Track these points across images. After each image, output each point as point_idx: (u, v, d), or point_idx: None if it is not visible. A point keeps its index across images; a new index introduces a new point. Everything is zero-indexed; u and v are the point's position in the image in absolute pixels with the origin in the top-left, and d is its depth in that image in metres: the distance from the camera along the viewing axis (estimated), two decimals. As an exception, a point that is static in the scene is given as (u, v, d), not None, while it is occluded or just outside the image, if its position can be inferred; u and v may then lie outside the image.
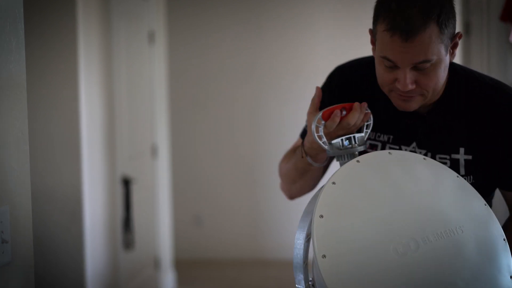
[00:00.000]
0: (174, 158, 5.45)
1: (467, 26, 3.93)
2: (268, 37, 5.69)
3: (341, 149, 1.43)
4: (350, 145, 1.43)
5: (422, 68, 1.44)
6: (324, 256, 1.18)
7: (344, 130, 1.48)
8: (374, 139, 1.61)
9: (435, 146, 1.57)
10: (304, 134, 1.74)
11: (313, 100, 1.55)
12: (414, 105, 1.50)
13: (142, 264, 4.40)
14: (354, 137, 1.43)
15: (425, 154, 1.57)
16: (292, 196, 1.82)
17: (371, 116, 1.51)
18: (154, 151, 4.61)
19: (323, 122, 1.45)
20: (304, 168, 1.66)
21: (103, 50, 3.81)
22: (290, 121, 5.60)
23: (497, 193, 1.65)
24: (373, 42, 1.52)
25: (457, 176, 1.42)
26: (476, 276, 1.27)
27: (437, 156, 1.57)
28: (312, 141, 1.54)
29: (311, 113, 1.52)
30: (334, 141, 1.43)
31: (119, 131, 3.99)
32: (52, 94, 3.52)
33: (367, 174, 1.32)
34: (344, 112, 1.49)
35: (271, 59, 5.69)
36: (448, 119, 1.57)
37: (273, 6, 5.69)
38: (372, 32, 1.51)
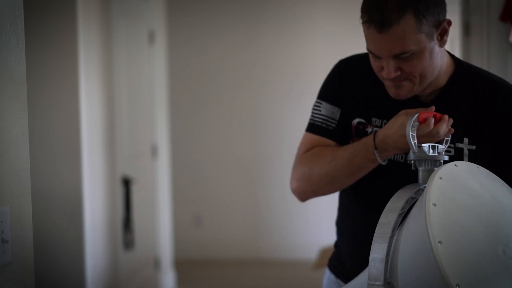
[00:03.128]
0: (174, 158, 5.45)
1: (467, 26, 3.93)
2: (268, 37, 5.69)
3: (427, 155, 1.46)
4: (436, 153, 1.46)
5: (403, 57, 1.48)
6: (440, 242, 1.20)
7: (428, 137, 1.49)
8: (381, 126, 1.63)
9: None
10: (311, 129, 1.73)
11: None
12: (404, 91, 1.55)
13: (142, 264, 4.40)
14: (438, 146, 1.47)
15: None
16: (309, 197, 1.77)
17: (450, 134, 1.54)
18: (154, 151, 4.61)
19: (417, 123, 1.48)
20: (359, 165, 1.62)
21: (103, 50, 3.81)
22: (290, 121, 5.60)
23: None
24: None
25: None
26: None
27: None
28: (397, 138, 1.53)
29: (408, 113, 1.53)
30: (424, 145, 1.46)
31: (119, 131, 3.99)
32: (52, 94, 3.53)
33: (466, 177, 1.36)
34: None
35: (271, 59, 5.69)
36: (452, 108, 1.59)
37: (273, 6, 5.69)
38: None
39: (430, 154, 1.45)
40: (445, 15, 1.52)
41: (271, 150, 5.65)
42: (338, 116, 1.69)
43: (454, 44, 6.27)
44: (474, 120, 1.59)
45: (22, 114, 1.53)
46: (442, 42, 1.52)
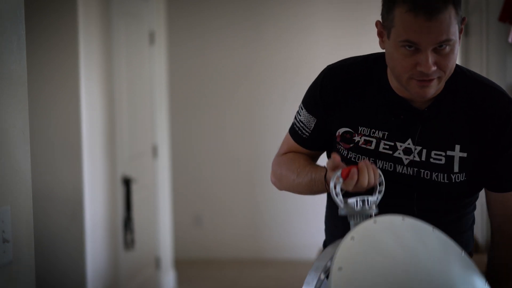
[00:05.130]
0: (174, 158, 5.45)
1: (466, 26, 3.93)
2: (267, 37, 5.69)
3: (355, 210, 1.46)
4: (364, 207, 1.46)
5: (442, 51, 1.47)
6: None
7: (358, 189, 1.49)
8: (369, 135, 1.61)
9: (431, 143, 1.58)
10: (291, 131, 1.78)
11: (333, 157, 1.53)
12: (431, 90, 1.52)
13: (142, 264, 4.41)
14: (368, 199, 1.47)
15: (421, 151, 1.58)
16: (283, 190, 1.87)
17: (384, 182, 1.52)
18: (154, 151, 4.62)
19: (341, 179, 1.48)
20: (320, 191, 1.66)
21: (104, 50, 3.82)
22: (290, 121, 5.60)
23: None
24: (381, 34, 1.54)
25: (463, 253, 1.45)
26: None
27: (433, 152, 1.58)
28: None
29: (330, 170, 1.53)
30: (350, 201, 1.46)
31: (119, 131, 4.00)
32: (52, 94, 3.53)
33: (383, 235, 1.35)
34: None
35: (271, 59, 5.69)
36: (445, 116, 1.58)
37: (273, 6, 5.69)
38: (382, 23, 1.53)
39: (357, 209, 1.45)
40: None
41: (271, 150, 5.64)
42: (312, 125, 1.71)
43: (453, 44, 6.27)
44: (466, 127, 1.58)
45: (23, 114, 1.53)
46: (459, 40, 1.52)
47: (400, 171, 1.59)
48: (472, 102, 1.59)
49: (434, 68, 1.47)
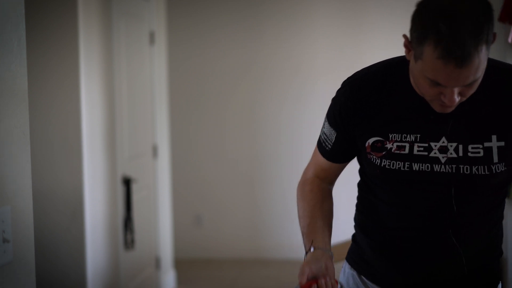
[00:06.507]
0: (174, 158, 5.46)
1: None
2: (267, 37, 5.69)
3: None
4: None
5: (468, 85, 1.45)
6: None
7: None
8: (401, 141, 1.60)
9: (466, 137, 1.57)
10: (318, 143, 1.79)
11: (302, 270, 1.65)
12: (453, 108, 1.52)
13: (143, 264, 4.41)
14: None
15: (457, 147, 1.57)
16: None
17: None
18: (154, 151, 4.62)
19: None
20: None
21: (104, 50, 3.82)
22: (290, 121, 5.61)
23: None
24: (407, 46, 1.50)
25: None
26: None
27: (470, 146, 1.57)
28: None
29: (301, 275, 1.66)
30: None
31: (119, 131, 4.00)
32: (53, 95, 3.53)
33: None
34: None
35: (271, 59, 5.69)
36: (475, 108, 1.57)
37: (272, 6, 5.70)
38: (410, 42, 1.48)
39: None
40: None
41: (271, 149, 5.66)
42: (333, 138, 1.72)
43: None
44: (499, 115, 1.57)
45: (23, 115, 1.53)
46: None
47: (438, 170, 1.58)
48: (499, 89, 1.58)
49: (458, 99, 1.47)
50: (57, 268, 3.54)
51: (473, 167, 1.57)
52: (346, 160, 1.77)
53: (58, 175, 3.54)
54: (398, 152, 1.60)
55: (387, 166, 1.61)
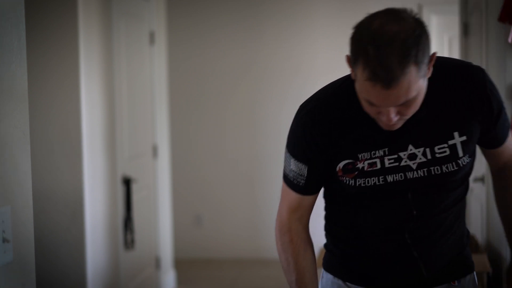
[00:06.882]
0: (174, 158, 5.46)
1: (466, 26, 3.93)
2: (267, 37, 5.69)
3: None
4: None
5: (404, 104, 1.48)
6: None
7: None
8: (371, 158, 1.62)
9: (430, 140, 1.61)
10: (287, 181, 1.74)
11: None
12: (398, 125, 1.55)
13: (143, 264, 4.41)
14: None
15: (424, 151, 1.61)
16: None
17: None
18: (154, 151, 4.62)
19: None
20: None
21: (104, 50, 3.82)
22: (290, 121, 5.60)
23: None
24: (351, 66, 1.52)
25: None
26: None
27: (436, 147, 1.61)
28: None
29: None
30: None
31: (119, 131, 4.00)
32: (53, 95, 3.53)
33: None
34: None
35: (271, 59, 5.69)
36: (434, 110, 1.60)
37: (272, 6, 5.70)
38: (351, 63, 1.51)
39: None
40: (431, 49, 1.51)
41: (271, 149, 5.66)
42: (305, 172, 1.69)
43: (453, 44, 6.27)
44: (456, 111, 1.61)
45: (23, 115, 1.54)
46: (430, 71, 1.51)
47: (411, 176, 1.62)
48: (452, 86, 1.61)
49: (395, 118, 1.50)
50: (57, 268, 3.54)
51: (443, 166, 1.61)
52: (320, 189, 1.76)
53: (58, 175, 3.54)
54: (370, 169, 1.62)
55: (362, 185, 1.63)
